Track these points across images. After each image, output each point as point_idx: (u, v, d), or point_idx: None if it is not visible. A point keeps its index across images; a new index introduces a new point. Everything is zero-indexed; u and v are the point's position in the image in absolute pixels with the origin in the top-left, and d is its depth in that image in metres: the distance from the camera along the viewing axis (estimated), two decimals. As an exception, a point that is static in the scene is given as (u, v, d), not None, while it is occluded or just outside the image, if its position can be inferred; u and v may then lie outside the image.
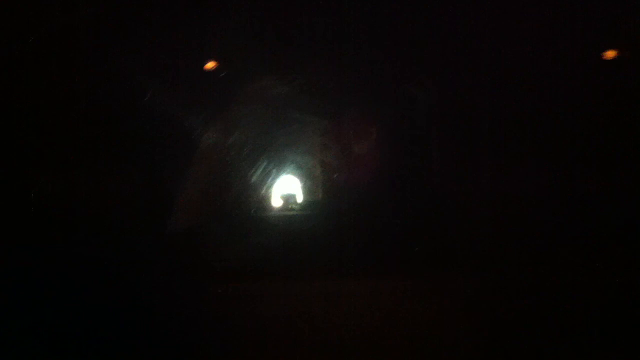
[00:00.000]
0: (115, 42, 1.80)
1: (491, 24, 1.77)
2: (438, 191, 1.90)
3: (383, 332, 1.66)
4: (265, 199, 2.54)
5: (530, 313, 1.66)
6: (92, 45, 1.79)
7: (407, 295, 1.70)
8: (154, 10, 1.79)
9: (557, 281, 1.70)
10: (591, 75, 1.80)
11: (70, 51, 1.76)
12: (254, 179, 2.29)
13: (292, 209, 2.56)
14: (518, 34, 1.77)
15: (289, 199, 2.71)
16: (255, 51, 1.98)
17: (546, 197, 1.79)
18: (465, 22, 1.77)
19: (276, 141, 2.32)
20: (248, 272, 1.85)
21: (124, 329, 1.57)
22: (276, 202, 2.62)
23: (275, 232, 1.99)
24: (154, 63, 1.88)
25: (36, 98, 1.74)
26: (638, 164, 1.76)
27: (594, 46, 1.79)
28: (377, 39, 1.87)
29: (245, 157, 2.23)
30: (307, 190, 2.33)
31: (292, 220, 2.17)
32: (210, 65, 2.01)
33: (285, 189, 2.70)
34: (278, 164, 2.38)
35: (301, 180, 2.51)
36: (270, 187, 2.39)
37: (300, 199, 2.68)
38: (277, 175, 2.44)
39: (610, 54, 1.79)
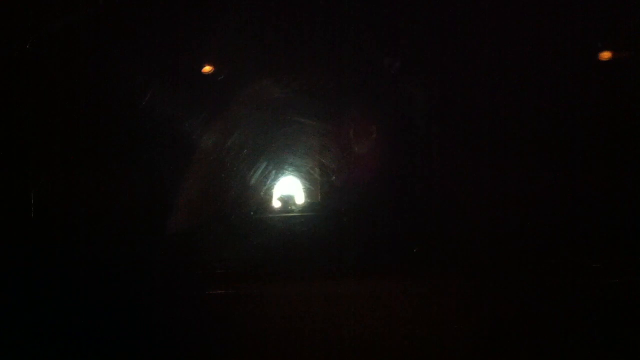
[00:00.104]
0: (116, 44, 1.80)
1: (491, 24, 1.77)
2: (438, 191, 1.90)
3: (383, 333, 1.66)
4: (265, 201, 2.54)
5: (530, 313, 1.66)
6: (92, 47, 1.79)
7: (407, 295, 1.70)
8: (154, 12, 1.80)
9: (557, 281, 1.69)
10: (591, 75, 1.81)
11: (70, 53, 1.76)
12: (253, 180, 2.29)
13: (291, 210, 2.56)
14: (518, 34, 1.77)
15: (288, 200, 2.71)
16: (254, 53, 1.99)
17: (546, 197, 1.79)
18: (465, 22, 1.78)
19: (275, 142, 2.32)
20: (248, 272, 1.85)
21: (125, 329, 1.57)
22: (275, 203, 2.62)
23: (275, 233, 1.99)
24: (155, 65, 1.88)
25: (36, 99, 1.74)
26: (638, 164, 1.76)
27: (594, 46, 1.80)
28: (377, 39, 1.87)
29: (245, 159, 2.23)
30: (307, 192, 2.33)
31: (291, 221, 2.17)
32: (210, 67, 2.01)
33: (285, 190, 2.70)
34: (277, 166, 2.38)
35: (300, 182, 2.51)
36: (269, 188, 2.39)
37: (299, 200, 2.68)
38: (277, 176, 2.44)
39: (610, 54, 1.79)
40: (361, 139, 2.04)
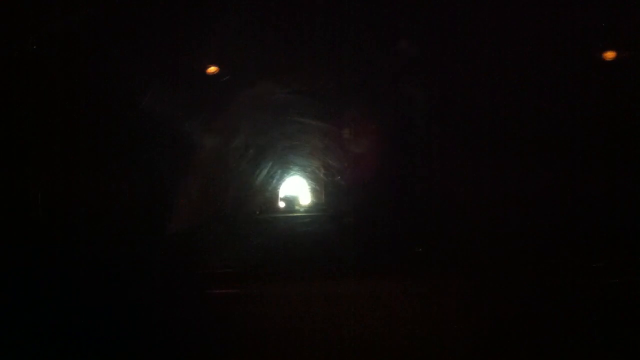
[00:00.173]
0: (117, 45, 1.80)
1: (491, 25, 1.77)
2: (438, 192, 1.90)
3: (383, 332, 1.66)
4: (268, 201, 2.55)
5: (530, 313, 1.66)
6: (93, 47, 1.79)
7: (407, 295, 1.70)
8: (155, 13, 1.80)
9: (557, 281, 1.69)
10: (591, 76, 1.80)
11: (71, 53, 1.76)
12: (257, 181, 2.29)
13: (294, 211, 2.56)
14: (518, 34, 1.77)
15: (291, 201, 2.71)
16: (255, 53, 1.99)
17: (546, 198, 1.79)
18: (465, 22, 1.77)
19: (278, 144, 2.33)
20: (248, 272, 1.85)
21: (125, 328, 1.57)
22: (279, 204, 2.63)
23: (277, 233, 2.00)
24: (156, 65, 1.89)
25: (37, 100, 1.74)
26: (638, 164, 1.76)
27: (594, 46, 1.79)
28: (377, 39, 1.87)
29: (249, 160, 2.23)
30: (310, 192, 2.33)
31: (294, 221, 2.17)
32: (213, 68, 2.01)
33: (288, 191, 2.71)
34: (281, 166, 2.39)
35: (304, 183, 2.51)
36: (274, 189, 2.40)
37: (302, 201, 2.68)
38: (281, 177, 2.44)
39: (610, 54, 1.79)
40: (362, 139, 2.04)
